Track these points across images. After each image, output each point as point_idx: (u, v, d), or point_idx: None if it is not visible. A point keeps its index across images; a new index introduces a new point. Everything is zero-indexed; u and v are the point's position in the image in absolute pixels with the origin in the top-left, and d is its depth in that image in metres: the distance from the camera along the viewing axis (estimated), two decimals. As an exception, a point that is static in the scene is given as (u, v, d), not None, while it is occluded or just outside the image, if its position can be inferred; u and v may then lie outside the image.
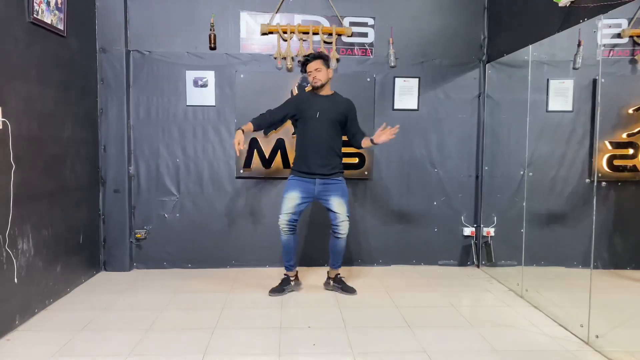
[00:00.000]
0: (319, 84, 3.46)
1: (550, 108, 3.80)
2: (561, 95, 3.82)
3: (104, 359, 2.54)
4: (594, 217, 2.75)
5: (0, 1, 2.77)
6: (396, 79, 4.30)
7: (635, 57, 3.57)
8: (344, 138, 3.64)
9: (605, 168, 3.66)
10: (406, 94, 4.33)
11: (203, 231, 4.24)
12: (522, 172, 3.64)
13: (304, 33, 4.18)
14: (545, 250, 3.75)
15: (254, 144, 4.19)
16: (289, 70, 4.20)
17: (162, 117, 4.17)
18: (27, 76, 3.05)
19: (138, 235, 4.19)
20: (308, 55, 3.50)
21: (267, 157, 4.20)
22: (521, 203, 3.58)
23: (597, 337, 2.69)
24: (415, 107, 4.34)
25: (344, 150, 4.16)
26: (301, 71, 3.62)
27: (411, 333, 2.87)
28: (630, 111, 3.65)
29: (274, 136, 4.19)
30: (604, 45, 2.94)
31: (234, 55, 4.18)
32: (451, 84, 4.35)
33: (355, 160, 4.26)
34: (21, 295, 2.94)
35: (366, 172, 4.29)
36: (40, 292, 3.18)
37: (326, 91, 3.53)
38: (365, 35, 4.27)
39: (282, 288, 3.59)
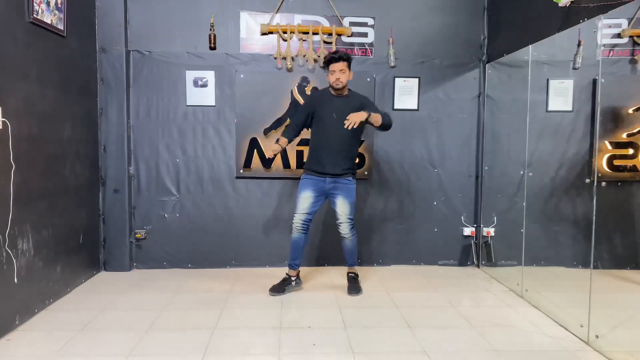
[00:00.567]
0: (340, 85, 3.44)
1: (550, 108, 3.80)
2: (561, 95, 3.82)
3: (104, 359, 2.54)
4: (594, 217, 2.75)
5: (0, 1, 2.77)
6: (396, 79, 4.30)
7: (635, 57, 3.57)
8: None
9: (605, 168, 3.66)
10: (406, 94, 4.32)
11: (203, 231, 4.24)
12: (522, 172, 3.64)
13: (304, 33, 4.18)
14: (545, 250, 3.75)
15: (254, 144, 4.19)
16: (289, 70, 4.20)
17: (162, 117, 4.17)
18: (27, 76, 3.05)
19: (138, 235, 4.19)
20: (335, 53, 3.46)
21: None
22: (521, 203, 3.58)
23: (597, 337, 2.69)
24: (415, 107, 4.34)
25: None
26: (322, 66, 3.59)
27: (411, 333, 2.87)
28: (630, 111, 3.65)
29: (274, 136, 4.19)
30: (604, 45, 2.94)
31: (234, 55, 4.18)
32: (451, 84, 4.35)
33: (356, 160, 4.25)
34: (21, 295, 2.94)
35: (366, 172, 4.29)
36: (40, 292, 3.18)
37: (344, 92, 3.52)
38: (365, 35, 4.27)
39: (282, 287, 3.59)
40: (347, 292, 3.60)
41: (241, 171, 4.22)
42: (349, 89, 3.56)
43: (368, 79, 4.24)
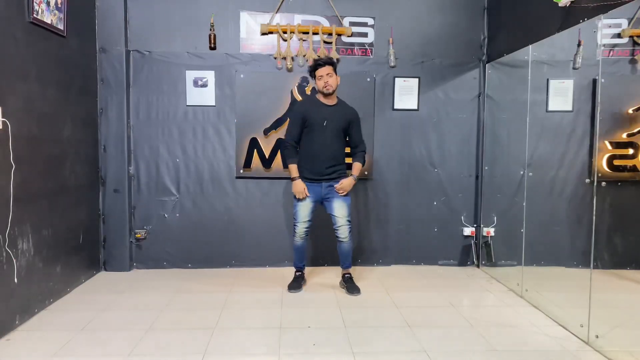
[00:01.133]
0: (330, 90, 3.46)
1: (550, 108, 3.80)
2: (561, 95, 3.81)
3: (104, 359, 2.54)
4: (594, 217, 2.75)
5: (1, 1, 2.77)
6: (396, 79, 4.30)
7: (635, 57, 3.57)
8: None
9: (605, 168, 3.66)
10: (406, 94, 4.32)
11: (203, 231, 4.24)
12: (522, 172, 3.64)
13: (304, 33, 4.18)
14: (545, 250, 3.74)
15: (254, 144, 4.19)
16: (289, 70, 4.20)
17: (162, 117, 4.17)
18: (27, 76, 3.05)
19: (138, 235, 4.19)
20: (319, 59, 3.48)
21: (267, 157, 4.20)
22: (521, 203, 3.58)
23: (597, 337, 2.70)
24: (415, 107, 4.34)
25: (346, 150, 4.17)
26: (310, 75, 3.58)
27: (411, 333, 2.87)
28: (630, 111, 3.65)
29: (274, 136, 4.19)
30: (604, 45, 2.94)
31: (234, 55, 4.18)
32: (451, 84, 4.35)
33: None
34: (21, 295, 2.94)
35: (366, 172, 4.29)
36: (40, 292, 3.18)
37: (333, 100, 3.54)
38: (365, 35, 4.27)
39: (299, 284, 3.70)
40: (347, 292, 3.60)
41: (241, 171, 4.22)
42: (338, 97, 3.58)
43: (368, 79, 4.24)
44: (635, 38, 3.50)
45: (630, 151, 3.67)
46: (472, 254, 4.42)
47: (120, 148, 4.08)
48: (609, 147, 3.65)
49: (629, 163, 3.69)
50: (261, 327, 2.95)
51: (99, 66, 4.02)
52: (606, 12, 2.66)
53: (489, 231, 4.18)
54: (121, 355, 2.55)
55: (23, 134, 2.97)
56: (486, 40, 4.34)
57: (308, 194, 3.52)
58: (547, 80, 3.72)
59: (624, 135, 3.66)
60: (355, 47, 4.28)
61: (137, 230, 4.19)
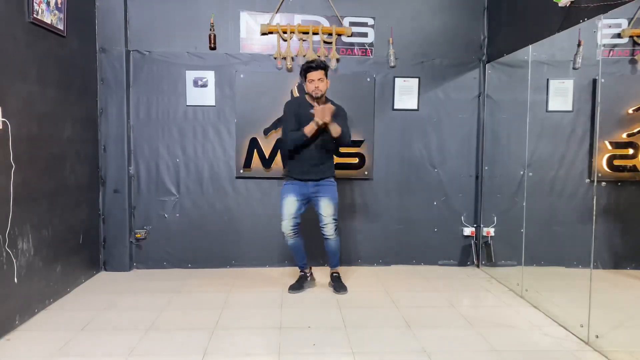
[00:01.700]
0: (319, 94, 3.44)
1: (550, 108, 3.81)
2: (561, 95, 3.82)
3: (104, 359, 2.54)
4: (594, 217, 2.75)
5: (1, 1, 2.77)
6: (396, 79, 4.30)
7: (635, 57, 3.57)
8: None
9: (605, 168, 3.66)
10: (406, 94, 4.32)
11: (203, 231, 4.24)
12: (522, 172, 3.64)
13: (304, 33, 4.18)
14: (545, 250, 3.75)
15: (254, 144, 4.19)
16: (289, 70, 4.20)
17: (162, 117, 4.17)
18: (27, 76, 3.05)
19: (138, 235, 4.19)
20: (312, 62, 3.46)
21: (267, 157, 4.20)
22: (521, 203, 3.58)
23: (597, 337, 2.69)
24: (415, 107, 4.34)
25: (345, 150, 4.18)
26: (301, 75, 3.55)
27: (411, 333, 2.87)
28: (630, 111, 3.65)
29: (274, 136, 4.19)
30: (604, 45, 2.94)
31: (234, 55, 4.18)
32: (451, 84, 4.35)
33: (355, 160, 4.26)
34: (21, 295, 2.94)
35: (366, 172, 4.29)
36: (40, 292, 3.18)
37: (321, 101, 3.49)
38: (365, 35, 4.27)
39: (301, 285, 3.68)
40: (334, 290, 3.62)
41: (241, 171, 4.22)
42: (326, 97, 3.55)
43: (368, 79, 4.24)
44: (635, 38, 3.50)
45: (630, 151, 3.68)
46: (472, 254, 4.42)
47: (120, 148, 4.08)
48: (609, 147, 3.66)
49: (629, 163, 3.70)
50: (261, 327, 2.95)
51: (99, 66, 4.02)
52: (606, 12, 2.66)
53: (489, 231, 4.18)
54: (121, 355, 2.55)
55: (23, 134, 2.97)
56: (486, 40, 4.34)
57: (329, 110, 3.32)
58: (547, 80, 3.73)
59: (624, 135, 3.66)
60: (355, 47, 4.28)
61: (137, 230, 4.19)
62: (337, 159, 4.17)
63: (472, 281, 4.01)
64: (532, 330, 2.95)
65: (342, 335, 2.84)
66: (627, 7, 2.56)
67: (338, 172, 4.01)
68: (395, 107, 4.33)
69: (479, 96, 4.37)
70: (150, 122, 4.17)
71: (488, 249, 4.21)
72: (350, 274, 4.07)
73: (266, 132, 4.18)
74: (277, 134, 4.18)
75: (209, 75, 4.17)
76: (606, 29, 2.92)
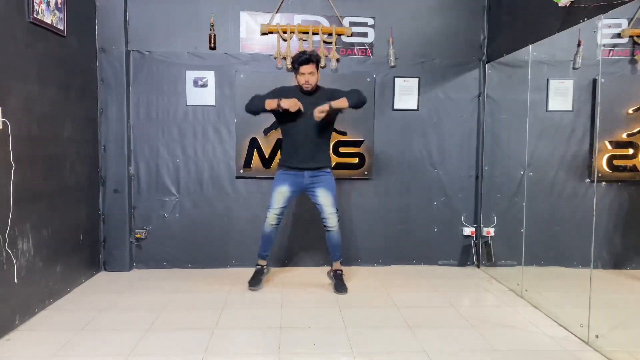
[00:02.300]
0: (309, 88, 3.43)
1: (550, 108, 3.80)
2: (561, 95, 3.82)
3: (104, 359, 2.54)
4: (594, 217, 2.75)
5: (1, 1, 2.77)
6: (396, 79, 4.30)
7: (635, 57, 3.57)
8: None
9: (605, 168, 3.66)
10: (406, 94, 4.32)
11: (203, 231, 4.24)
12: (522, 172, 3.64)
13: (304, 33, 4.18)
14: (545, 250, 3.75)
15: (254, 144, 4.19)
16: (289, 70, 4.20)
17: (162, 117, 4.17)
18: (27, 76, 3.05)
19: (138, 235, 4.19)
20: (305, 54, 3.42)
21: (267, 157, 4.20)
22: (521, 203, 3.58)
23: (597, 337, 2.69)
24: (415, 107, 4.34)
25: (345, 150, 4.18)
26: (293, 65, 3.48)
27: (411, 333, 2.87)
28: (630, 111, 3.65)
29: (274, 136, 4.19)
30: (604, 45, 2.94)
31: (234, 55, 4.18)
32: (451, 84, 4.35)
33: (355, 160, 4.26)
34: (21, 295, 2.94)
35: (366, 172, 4.29)
36: (40, 292, 3.18)
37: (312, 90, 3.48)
38: (365, 35, 4.27)
39: (259, 279, 3.69)
40: (334, 289, 3.60)
41: (241, 171, 4.22)
42: (318, 85, 3.53)
43: (368, 79, 4.24)
44: (635, 38, 3.50)
45: (630, 151, 3.68)
46: (472, 254, 4.42)
47: (120, 148, 4.08)
48: (609, 147, 3.66)
49: (629, 163, 3.70)
50: (261, 327, 2.95)
51: (99, 66, 4.02)
52: (606, 12, 2.66)
53: (489, 231, 4.18)
54: (121, 355, 2.55)
55: (23, 134, 2.97)
56: (486, 40, 4.34)
57: (302, 106, 3.30)
58: (547, 80, 3.73)
59: (624, 135, 3.66)
60: (355, 47, 4.28)
61: (137, 230, 4.19)
62: (337, 159, 4.19)
63: (472, 281, 4.01)
64: (532, 330, 2.96)
65: (342, 335, 2.84)
66: (627, 7, 2.56)
67: (338, 172, 4.03)
68: (395, 107, 4.33)
69: (479, 96, 4.37)
70: (150, 122, 4.17)
71: (488, 249, 4.21)
72: (350, 274, 4.07)
73: (266, 132, 4.18)
74: (277, 134, 4.18)
75: (209, 75, 4.17)
76: (606, 29, 2.92)
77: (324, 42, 4.20)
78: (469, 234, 4.39)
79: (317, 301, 3.46)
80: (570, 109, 3.79)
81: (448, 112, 4.36)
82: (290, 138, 3.54)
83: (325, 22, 4.23)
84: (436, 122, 4.36)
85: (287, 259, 4.30)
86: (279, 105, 3.32)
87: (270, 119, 4.15)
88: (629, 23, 3.38)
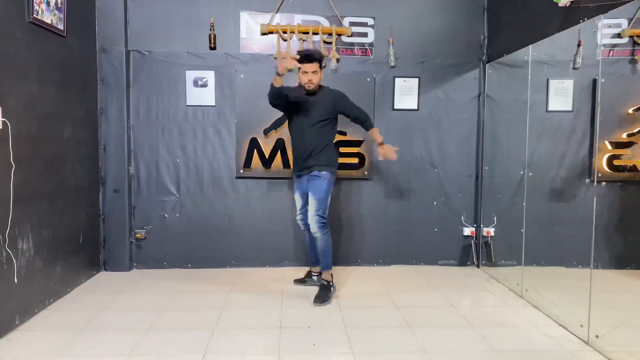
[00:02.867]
0: (312, 87, 3.35)
1: (550, 108, 3.80)
2: (561, 95, 3.82)
3: (104, 359, 2.54)
4: (594, 217, 2.75)
5: (1, 1, 2.77)
6: (396, 79, 4.30)
7: (635, 57, 3.57)
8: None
9: (605, 168, 3.66)
10: (406, 94, 4.32)
11: (203, 231, 4.24)
12: (522, 172, 3.64)
13: (304, 33, 4.18)
14: (545, 250, 3.74)
15: (254, 144, 4.19)
16: (289, 70, 4.19)
17: (162, 117, 4.17)
18: (27, 76, 3.05)
19: (138, 235, 4.19)
20: (309, 52, 3.31)
21: (267, 157, 4.20)
22: (521, 203, 3.58)
23: (597, 337, 2.70)
24: (415, 107, 4.34)
25: (345, 150, 4.18)
26: (298, 61, 3.31)
27: (411, 333, 2.87)
28: (630, 111, 3.65)
29: (274, 136, 4.19)
30: (604, 45, 2.94)
31: (234, 55, 4.18)
32: (451, 84, 4.35)
33: (355, 160, 4.26)
34: (21, 295, 2.94)
35: (366, 172, 4.29)
36: (40, 292, 3.18)
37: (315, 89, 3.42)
38: (365, 35, 4.27)
39: (304, 280, 3.79)
40: (314, 300, 3.35)
41: (241, 171, 4.22)
42: (321, 85, 3.44)
43: (368, 79, 4.24)
44: (635, 38, 3.50)
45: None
46: (472, 254, 4.42)
47: (120, 148, 4.08)
48: (609, 147, 3.66)
49: (629, 163, 3.69)
50: (261, 327, 2.95)
51: (99, 66, 4.02)
52: (606, 12, 2.66)
53: (489, 231, 4.18)
54: (121, 355, 2.55)
55: (23, 134, 2.97)
56: (486, 40, 4.34)
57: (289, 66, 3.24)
58: (547, 80, 3.72)
59: (624, 135, 3.66)
60: (355, 47, 4.28)
61: (137, 230, 4.19)
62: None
63: (472, 281, 4.01)
64: (532, 330, 2.96)
65: (342, 335, 2.84)
66: (627, 7, 2.56)
67: (338, 172, 4.00)
68: (395, 107, 4.33)
69: (479, 96, 4.37)
70: (150, 122, 4.17)
71: (488, 249, 4.21)
72: (350, 274, 4.07)
73: (266, 132, 4.18)
74: (277, 134, 4.18)
75: (209, 75, 4.17)
76: (606, 29, 2.92)
77: (324, 42, 4.20)
78: (469, 234, 4.39)
79: (317, 301, 3.46)
80: (570, 109, 3.79)
81: (448, 112, 4.36)
82: (292, 139, 3.53)
83: (325, 22, 4.23)
84: (436, 122, 4.36)
85: (287, 259, 4.30)
86: (277, 74, 3.19)
87: (270, 119, 4.17)
88: (629, 23, 3.38)
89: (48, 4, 3.21)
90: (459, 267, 4.41)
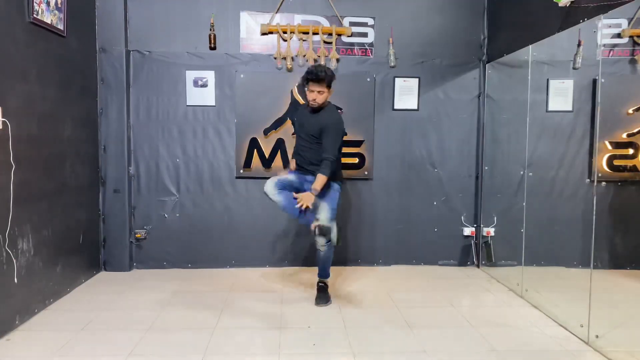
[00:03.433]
0: (316, 106, 3.28)
1: (550, 108, 3.81)
2: (561, 95, 3.82)
3: (103, 359, 2.54)
4: (594, 217, 2.75)
5: (1, 1, 2.77)
6: (396, 79, 4.30)
7: (635, 57, 3.58)
8: None
9: (605, 168, 3.66)
10: (406, 94, 4.32)
11: (203, 231, 4.24)
12: (522, 172, 3.64)
13: (304, 33, 4.18)
14: (545, 250, 3.75)
15: (254, 144, 4.19)
16: (289, 70, 4.20)
17: (162, 117, 4.17)
18: (27, 76, 3.05)
19: (138, 235, 4.19)
20: (318, 70, 3.22)
21: (267, 157, 4.20)
22: (521, 203, 3.58)
23: (597, 337, 2.70)
24: (415, 107, 4.34)
25: (345, 150, 4.15)
26: (303, 79, 3.31)
27: (411, 333, 2.87)
28: (630, 111, 3.65)
29: (274, 136, 4.19)
30: (604, 45, 2.94)
31: (234, 55, 4.18)
32: (451, 84, 4.35)
33: (355, 160, 4.26)
34: (21, 295, 2.94)
35: (366, 172, 4.29)
36: (40, 292, 3.18)
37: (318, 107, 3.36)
38: (365, 35, 4.27)
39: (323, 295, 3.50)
40: (315, 301, 3.37)
41: (241, 171, 4.22)
42: (327, 103, 3.36)
43: (368, 79, 4.24)
44: (635, 38, 3.51)
45: (630, 151, 3.68)
46: (472, 254, 4.42)
47: (120, 148, 4.08)
48: (609, 147, 3.66)
49: (629, 163, 3.70)
50: (261, 327, 2.95)
51: (99, 66, 4.02)
52: (606, 12, 2.66)
53: (489, 231, 4.18)
54: (121, 355, 2.55)
55: (23, 134, 2.97)
56: (486, 40, 4.34)
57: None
58: (547, 80, 3.73)
59: (624, 135, 3.66)
60: (355, 47, 4.28)
61: (137, 230, 4.19)
62: (337, 159, 4.18)
63: (472, 281, 4.01)
64: (532, 330, 2.96)
65: (342, 335, 2.84)
66: (627, 7, 2.56)
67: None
68: (395, 107, 4.32)
69: (479, 96, 4.37)
70: (150, 122, 4.17)
71: (488, 249, 4.21)
72: (350, 274, 4.08)
73: (266, 132, 4.18)
74: (277, 134, 4.18)
75: (209, 75, 4.17)
76: (606, 29, 2.92)
77: (324, 42, 4.20)
78: (469, 234, 4.39)
79: (317, 301, 3.46)
80: (570, 109, 3.79)
81: (448, 112, 4.36)
82: (294, 146, 3.50)
83: (325, 22, 4.23)
84: (436, 122, 4.36)
85: (287, 259, 4.30)
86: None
87: (271, 119, 4.17)
88: (629, 23, 3.39)
89: (48, 4, 3.21)
90: (459, 267, 4.41)
